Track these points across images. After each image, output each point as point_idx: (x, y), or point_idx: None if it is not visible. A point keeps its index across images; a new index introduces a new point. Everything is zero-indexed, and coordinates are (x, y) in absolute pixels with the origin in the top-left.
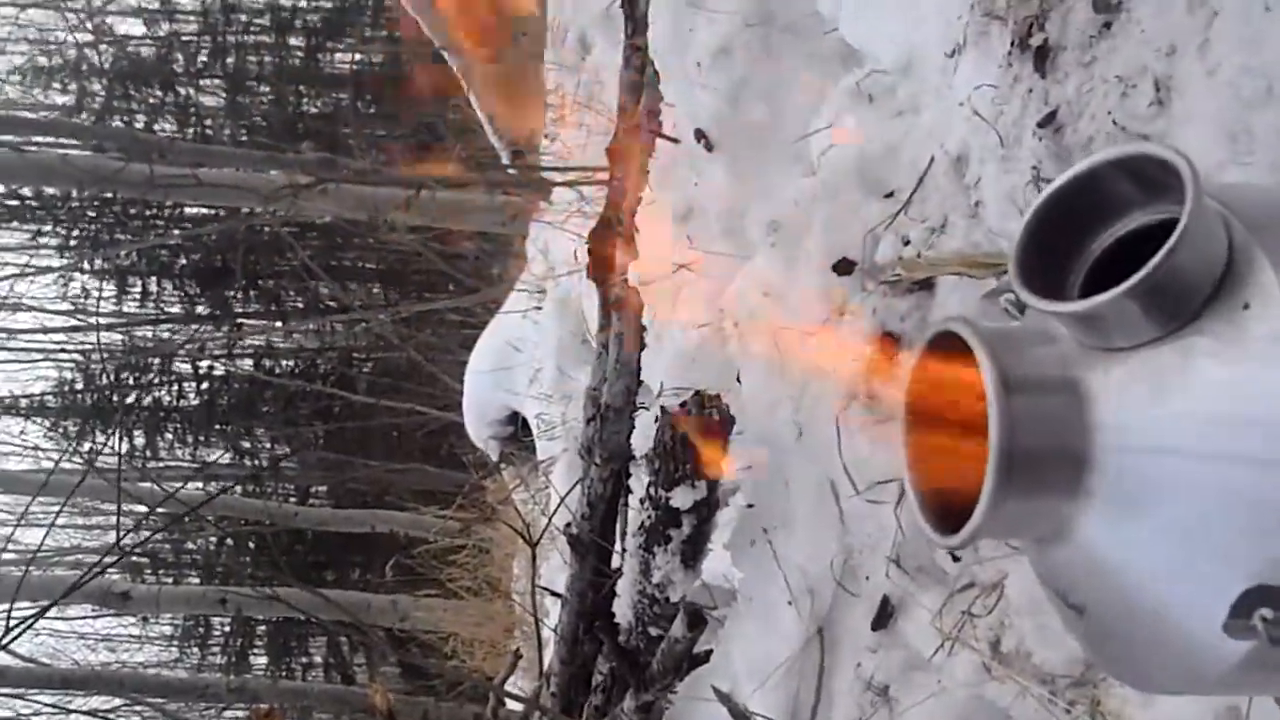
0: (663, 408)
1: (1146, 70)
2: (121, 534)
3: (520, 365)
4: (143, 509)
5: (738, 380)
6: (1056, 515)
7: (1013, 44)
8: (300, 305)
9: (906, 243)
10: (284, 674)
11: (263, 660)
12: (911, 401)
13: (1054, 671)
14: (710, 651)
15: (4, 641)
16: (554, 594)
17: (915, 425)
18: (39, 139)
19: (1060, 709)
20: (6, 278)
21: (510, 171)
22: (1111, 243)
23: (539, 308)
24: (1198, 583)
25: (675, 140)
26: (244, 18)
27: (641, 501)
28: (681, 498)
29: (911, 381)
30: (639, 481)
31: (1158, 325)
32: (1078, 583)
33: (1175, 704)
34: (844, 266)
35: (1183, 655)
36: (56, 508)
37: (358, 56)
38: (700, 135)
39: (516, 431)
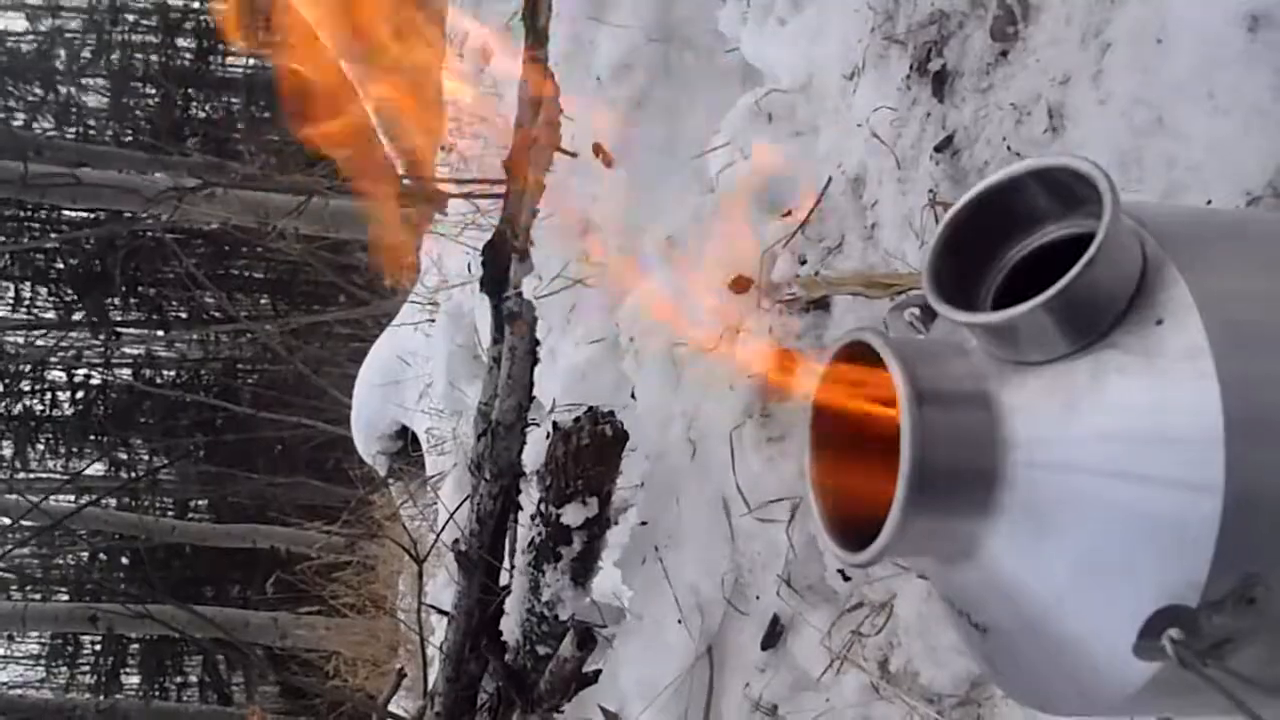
0: (555, 423)
1: (1041, 98)
2: None
3: (411, 379)
4: (5, 521)
5: (632, 396)
6: (965, 533)
7: (911, 68)
8: (183, 315)
9: (803, 262)
10: (157, 694)
11: (135, 680)
12: (816, 414)
13: (941, 691)
14: (599, 671)
15: None
16: (441, 612)
17: (819, 438)
18: None
19: None
20: None
21: (405, 181)
22: (1023, 256)
23: (431, 321)
24: (1106, 604)
25: (573, 154)
26: (131, 16)
27: (532, 518)
28: (573, 515)
29: (817, 392)
30: (529, 498)
31: (1071, 340)
32: (982, 602)
33: None
34: (740, 284)
35: (1087, 677)
36: None
37: (250, 60)
38: (598, 150)
39: (406, 446)
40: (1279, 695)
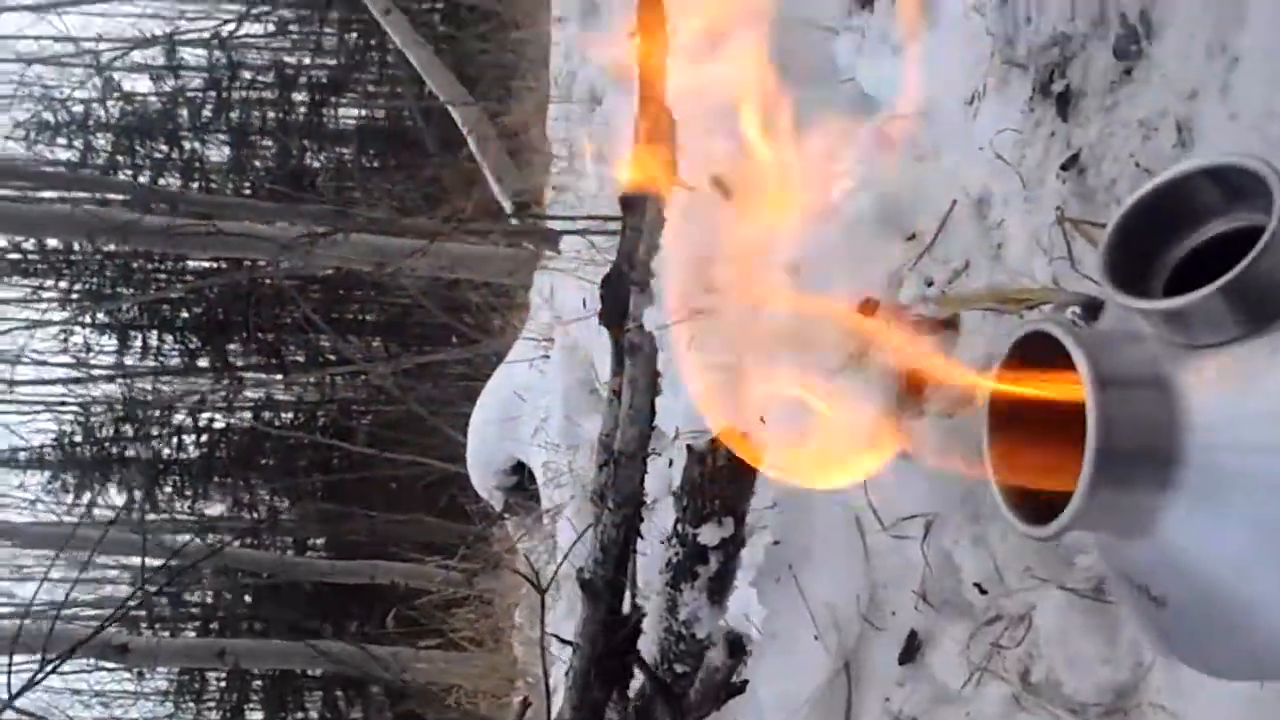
0: (689, 446)
1: (1168, 114)
2: (141, 584)
3: (526, 415)
4: (133, 562)
5: (761, 420)
6: (1144, 508)
7: (1034, 90)
8: (301, 358)
9: (930, 284)
10: None
11: (258, 716)
12: (993, 404)
13: (1085, 700)
14: (746, 682)
15: (15, 694)
16: (564, 641)
17: (997, 427)
18: (46, 194)
19: None
20: (8, 330)
21: (521, 221)
22: (1188, 252)
23: (545, 356)
24: None
25: (691, 188)
26: (248, 74)
27: (669, 539)
28: (709, 534)
29: (996, 383)
30: (651, 526)
31: (1243, 324)
32: (1160, 576)
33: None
34: (868, 307)
35: (1264, 642)
36: (64, 560)
37: (362, 111)
38: (717, 182)
39: (522, 481)
40: None
